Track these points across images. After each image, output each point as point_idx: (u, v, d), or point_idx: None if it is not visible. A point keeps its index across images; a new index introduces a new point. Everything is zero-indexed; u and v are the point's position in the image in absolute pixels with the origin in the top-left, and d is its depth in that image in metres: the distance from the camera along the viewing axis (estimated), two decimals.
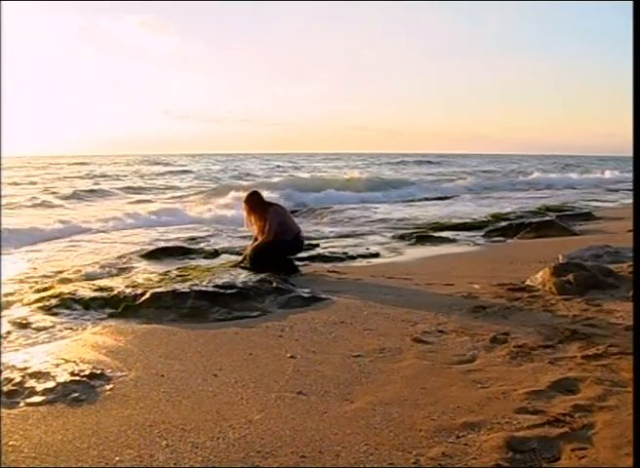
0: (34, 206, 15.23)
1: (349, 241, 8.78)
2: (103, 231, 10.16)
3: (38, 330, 3.88)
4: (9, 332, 3.77)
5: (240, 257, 6.02)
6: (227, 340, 3.65)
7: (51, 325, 3.99)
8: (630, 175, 25.16)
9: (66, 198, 17.63)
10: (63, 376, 2.94)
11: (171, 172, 34.89)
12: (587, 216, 11.72)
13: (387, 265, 6.56)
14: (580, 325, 3.72)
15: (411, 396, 2.71)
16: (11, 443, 2.28)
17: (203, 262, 6.62)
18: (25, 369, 3.02)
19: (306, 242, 6.77)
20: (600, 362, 3.04)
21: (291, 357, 3.30)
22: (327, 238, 9.14)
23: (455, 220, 11.14)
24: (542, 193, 20.05)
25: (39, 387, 2.80)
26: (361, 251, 7.61)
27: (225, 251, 7.54)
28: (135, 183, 24.92)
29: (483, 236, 9.23)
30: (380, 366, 3.14)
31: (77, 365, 3.12)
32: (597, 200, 17.20)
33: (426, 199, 18.16)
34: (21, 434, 2.36)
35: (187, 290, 4.53)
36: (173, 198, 18.50)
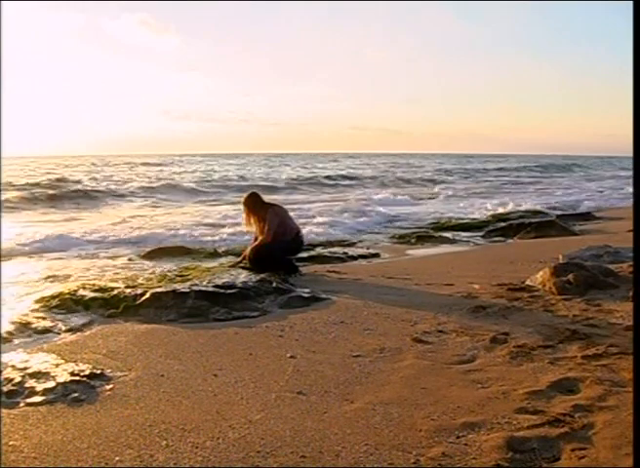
0: None
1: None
2: None
3: (38, 330, 3.88)
4: (9, 333, 3.77)
5: (239, 258, 6.02)
6: (227, 340, 3.65)
7: (51, 325, 3.99)
8: None
9: None
10: (63, 376, 2.94)
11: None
12: (587, 216, 11.73)
13: (387, 265, 6.56)
14: (580, 325, 3.72)
15: (411, 396, 2.71)
16: (11, 443, 2.28)
17: (203, 262, 6.61)
18: (25, 369, 3.02)
19: (306, 242, 6.77)
20: (600, 362, 3.03)
21: (291, 357, 3.30)
22: None
23: (454, 221, 11.15)
24: None
25: (39, 387, 2.80)
26: (361, 251, 7.61)
27: (225, 251, 7.53)
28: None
29: (483, 236, 9.24)
30: (379, 366, 3.14)
31: (77, 365, 3.12)
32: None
33: None
34: (21, 434, 2.36)
35: (187, 290, 4.53)
36: None
